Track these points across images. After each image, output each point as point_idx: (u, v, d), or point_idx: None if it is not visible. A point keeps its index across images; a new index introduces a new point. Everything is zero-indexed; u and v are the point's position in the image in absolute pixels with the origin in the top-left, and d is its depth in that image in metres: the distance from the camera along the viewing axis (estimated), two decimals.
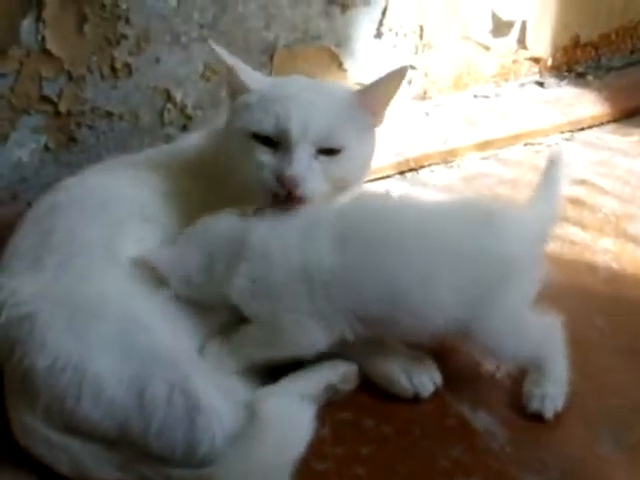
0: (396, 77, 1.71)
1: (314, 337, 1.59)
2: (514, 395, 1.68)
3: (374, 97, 1.72)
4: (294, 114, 1.64)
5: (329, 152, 1.65)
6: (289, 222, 1.62)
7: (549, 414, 1.62)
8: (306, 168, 1.62)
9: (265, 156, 1.64)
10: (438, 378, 1.68)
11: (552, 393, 1.63)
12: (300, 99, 1.67)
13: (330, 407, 1.61)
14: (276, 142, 1.65)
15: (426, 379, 1.67)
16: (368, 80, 2.27)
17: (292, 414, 1.47)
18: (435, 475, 1.53)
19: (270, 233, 1.60)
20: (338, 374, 1.66)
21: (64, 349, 1.47)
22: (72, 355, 1.46)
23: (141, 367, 1.47)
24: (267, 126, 1.65)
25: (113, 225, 1.67)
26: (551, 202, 1.70)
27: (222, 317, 1.65)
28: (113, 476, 1.47)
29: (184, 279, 1.62)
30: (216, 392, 1.49)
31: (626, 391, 1.72)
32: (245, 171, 1.67)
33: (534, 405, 1.63)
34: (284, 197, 1.62)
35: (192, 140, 1.93)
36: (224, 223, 1.65)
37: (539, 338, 1.64)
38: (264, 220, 1.62)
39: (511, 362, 1.71)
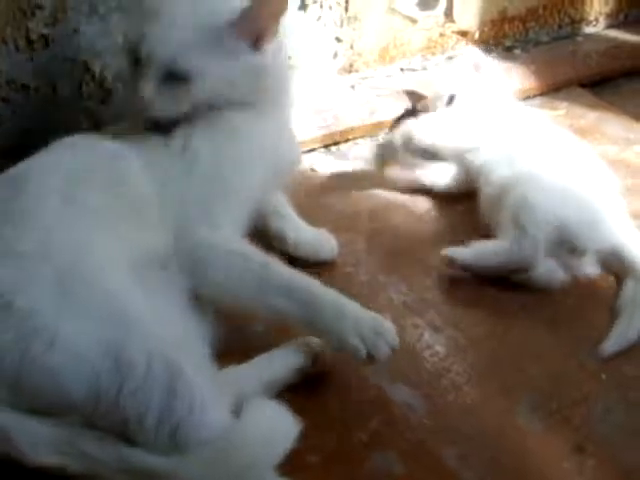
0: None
1: None
2: (433, 367, 1.69)
3: (254, 23, 1.68)
4: (146, 36, 1.66)
5: (177, 77, 1.66)
6: None
7: None
8: (152, 91, 1.66)
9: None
10: (395, 341, 1.59)
11: None
12: (161, 19, 1.66)
13: None
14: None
15: (381, 341, 1.58)
16: (292, 53, 2.26)
17: (277, 420, 1.40)
18: (352, 449, 1.52)
19: None
20: (308, 358, 1.64)
21: (44, 303, 1.39)
22: (49, 309, 1.38)
23: (122, 334, 1.38)
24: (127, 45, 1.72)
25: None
26: None
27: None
28: (49, 460, 1.35)
29: None
30: (199, 374, 1.41)
31: (546, 360, 1.72)
32: None
33: None
34: None
35: None
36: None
37: None
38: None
39: None
